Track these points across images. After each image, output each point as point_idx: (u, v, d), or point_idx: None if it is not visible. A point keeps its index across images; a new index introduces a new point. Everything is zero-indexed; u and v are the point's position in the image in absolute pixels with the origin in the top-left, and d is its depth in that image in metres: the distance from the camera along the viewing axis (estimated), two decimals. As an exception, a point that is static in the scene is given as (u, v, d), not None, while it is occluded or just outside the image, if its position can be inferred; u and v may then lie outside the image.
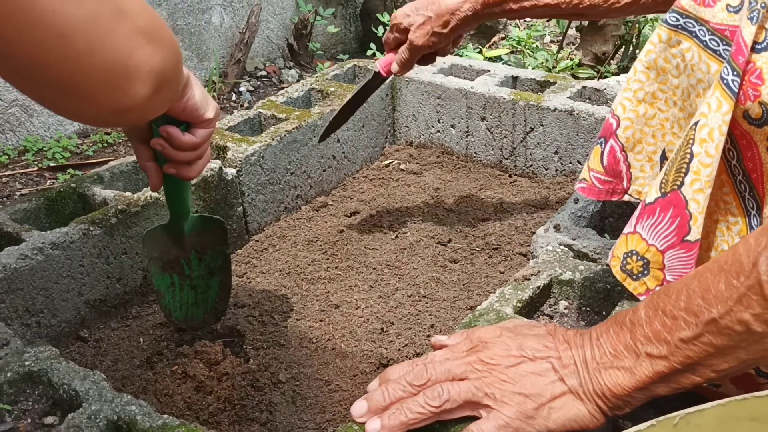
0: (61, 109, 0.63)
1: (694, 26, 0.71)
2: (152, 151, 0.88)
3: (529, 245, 1.27)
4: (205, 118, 0.84)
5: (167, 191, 0.95)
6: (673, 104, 0.77)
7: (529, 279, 0.96)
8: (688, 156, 0.68)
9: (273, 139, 1.35)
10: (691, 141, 0.68)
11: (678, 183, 0.69)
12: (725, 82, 0.64)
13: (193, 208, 1.01)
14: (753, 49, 0.63)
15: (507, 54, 2.28)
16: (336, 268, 1.26)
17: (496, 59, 2.24)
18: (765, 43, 0.63)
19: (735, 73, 0.64)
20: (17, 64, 0.56)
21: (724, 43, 0.68)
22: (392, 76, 1.23)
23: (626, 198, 0.85)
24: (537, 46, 2.30)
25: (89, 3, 0.56)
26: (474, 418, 0.68)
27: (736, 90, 0.64)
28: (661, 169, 0.80)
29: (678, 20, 0.72)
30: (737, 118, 0.66)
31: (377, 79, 1.24)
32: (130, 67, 0.60)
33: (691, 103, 0.74)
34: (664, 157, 0.80)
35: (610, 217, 1.22)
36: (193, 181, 1.14)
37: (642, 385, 0.63)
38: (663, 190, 0.71)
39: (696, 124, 0.67)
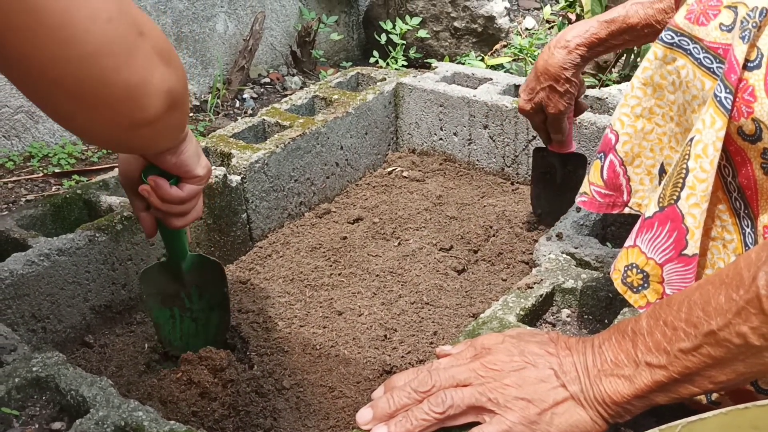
0: (78, 125, 0.65)
1: (688, 44, 0.72)
2: (146, 201, 0.88)
3: (530, 253, 1.28)
4: (194, 174, 0.85)
5: (163, 234, 0.94)
6: (670, 119, 0.78)
7: (532, 287, 0.97)
8: (684, 171, 0.69)
9: (277, 147, 1.36)
10: (687, 156, 0.69)
11: (675, 197, 0.70)
12: (718, 99, 0.66)
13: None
14: (745, 67, 0.65)
15: (509, 62, 2.29)
16: (339, 274, 1.27)
17: (498, 67, 2.25)
18: (757, 62, 0.64)
19: (728, 90, 0.65)
20: (48, 80, 0.58)
21: (718, 60, 0.69)
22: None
23: (626, 211, 0.86)
24: (539, 53, 2.31)
25: (118, 24, 0.59)
26: (479, 424, 0.69)
27: (729, 107, 0.65)
28: (660, 183, 0.81)
29: (673, 38, 0.74)
30: (732, 135, 0.67)
31: (566, 159, 1.29)
32: (151, 85, 0.63)
33: (687, 119, 0.75)
34: (662, 171, 0.81)
35: (612, 226, 1.23)
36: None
37: (641, 394, 0.64)
38: (661, 205, 0.72)
39: (691, 140, 0.69)
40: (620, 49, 1.13)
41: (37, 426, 0.76)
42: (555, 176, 1.32)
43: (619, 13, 1.04)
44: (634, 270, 0.75)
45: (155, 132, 0.68)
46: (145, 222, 0.92)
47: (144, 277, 0.99)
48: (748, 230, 0.70)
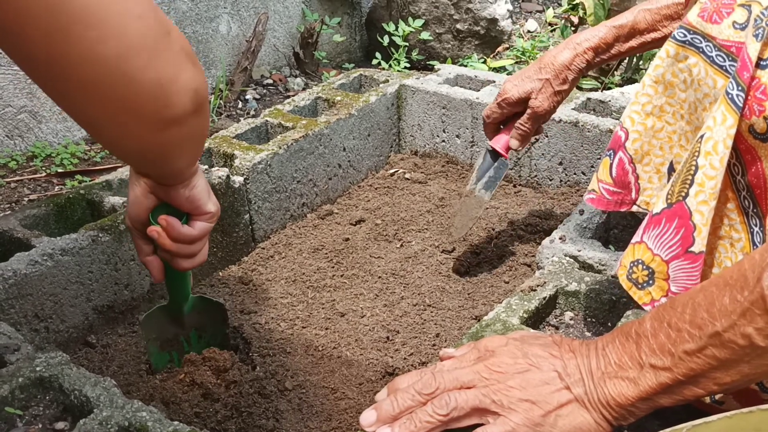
0: (107, 130, 0.64)
1: (701, 42, 0.72)
2: (153, 245, 0.87)
3: (533, 255, 1.28)
4: (205, 209, 0.84)
5: (167, 277, 0.92)
6: (680, 117, 0.78)
7: (535, 290, 0.97)
8: (694, 168, 0.69)
9: (280, 148, 1.36)
10: (696, 153, 0.69)
11: (683, 194, 0.70)
12: (730, 96, 0.66)
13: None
14: (758, 65, 0.65)
15: (512, 64, 2.29)
16: (341, 276, 1.27)
17: (500, 69, 2.25)
18: None
19: (740, 88, 0.65)
20: (78, 82, 0.58)
21: (730, 59, 0.69)
22: (511, 151, 1.19)
23: (634, 209, 0.86)
24: (541, 56, 2.31)
25: (147, 20, 0.59)
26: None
27: (741, 105, 0.65)
28: (668, 181, 0.81)
29: (686, 36, 0.73)
30: (743, 133, 0.67)
31: (495, 159, 1.20)
32: (179, 82, 0.63)
33: (698, 117, 0.75)
34: (671, 169, 0.81)
35: (615, 229, 1.23)
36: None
37: (645, 396, 0.64)
38: (669, 201, 0.72)
39: (702, 137, 0.69)
40: (624, 57, 1.12)
41: (40, 426, 0.76)
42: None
43: (627, 18, 1.05)
44: (640, 266, 0.74)
45: (182, 135, 0.68)
46: (152, 266, 0.89)
47: (145, 322, 0.97)
48: (756, 229, 0.70)
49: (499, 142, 1.19)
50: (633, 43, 1.05)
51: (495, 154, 1.20)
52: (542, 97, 1.12)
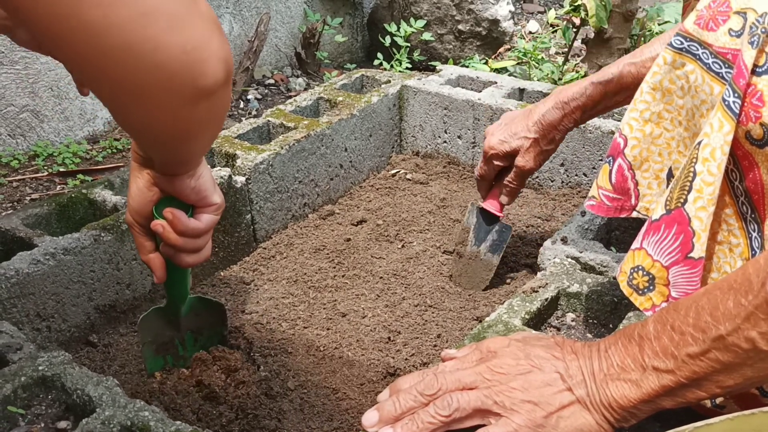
0: (138, 104, 0.61)
1: (697, 49, 0.73)
2: (155, 242, 0.85)
3: (534, 256, 1.28)
4: (211, 201, 0.83)
5: (168, 275, 0.89)
6: (678, 124, 0.79)
7: (537, 291, 0.97)
8: (692, 174, 0.70)
9: (282, 148, 1.36)
10: (694, 160, 0.69)
11: (682, 200, 0.71)
12: (727, 103, 0.66)
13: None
14: (754, 72, 0.65)
15: (513, 65, 2.29)
16: (343, 276, 1.27)
17: (502, 70, 2.25)
18: (765, 67, 0.64)
19: (736, 95, 0.65)
20: (102, 46, 0.55)
21: (726, 66, 0.70)
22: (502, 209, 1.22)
23: (634, 215, 0.87)
24: (543, 57, 2.32)
25: None
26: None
27: (737, 111, 0.66)
28: (667, 187, 0.81)
29: (682, 43, 0.74)
30: (740, 139, 0.67)
31: (489, 219, 1.23)
32: (210, 50, 0.60)
33: (696, 123, 0.76)
34: (670, 175, 0.82)
35: (617, 230, 1.23)
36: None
37: (648, 398, 0.64)
38: (668, 207, 0.72)
39: (699, 143, 0.69)
40: (611, 110, 1.11)
41: (42, 425, 0.77)
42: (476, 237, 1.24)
43: (612, 73, 1.03)
44: (640, 272, 0.75)
45: (211, 110, 0.64)
46: (155, 264, 0.87)
47: (142, 325, 0.95)
48: (754, 234, 0.71)
49: (493, 204, 1.22)
50: (619, 98, 1.05)
51: (490, 216, 1.23)
52: (529, 156, 1.13)
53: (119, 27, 0.55)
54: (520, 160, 1.14)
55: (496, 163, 1.17)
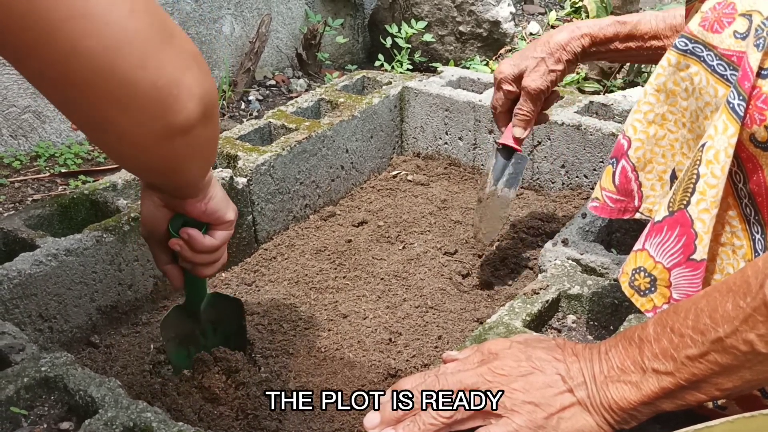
0: (109, 134, 0.61)
1: (702, 51, 0.73)
2: (171, 253, 0.86)
3: (535, 258, 1.28)
4: (225, 219, 0.83)
5: (186, 282, 0.92)
6: (682, 126, 0.79)
7: (538, 293, 0.97)
8: (695, 176, 0.70)
9: (283, 149, 1.36)
10: (698, 162, 0.70)
11: (685, 202, 0.71)
12: (731, 106, 0.66)
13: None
14: (759, 75, 0.65)
15: (514, 67, 2.29)
16: (344, 277, 1.27)
17: (503, 72, 2.25)
18: None
19: (741, 97, 0.65)
20: (68, 76, 0.55)
21: (731, 68, 0.70)
22: (521, 143, 1.15)
23: (637, 216, 0.87)
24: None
25: (141, 16, 0.56)
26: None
27: (742, 114, 0.66)
28: (671, 188, 0.82)
29: (687, 45, 0.74)
30: (744, 141, 0.68)
31: (508, 156, 1.17)
32: (182, 86, 0.59)
33: (700, 125, 0.76)
34: (674, 177, 0.82)
35: (617, 232, 1.23)
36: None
37: (647, 400, 0.64)
38: (671, 209, 0.72)
39: (703, 145, 0.69)
40: (624, 61, 1.11)
41: (45, 426, 0.77)
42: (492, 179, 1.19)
43: (632, 18, 1.05)
44: (642, 273, 0.75)
45: (189, 145, 0.64)
46: (172, 274, 0.88)
47: (164, 323, 0.97)
48: (758, 236, 0.71)
49: (508, 137, 1.16)
50: (632, 44, 1.05)
51: (507, 151, 1.18)
52: (535, 75, 1.10)
53: (86, 56, 0.54)
54: (525, 80, 1.10)
55: (506, 88, 1.13)
